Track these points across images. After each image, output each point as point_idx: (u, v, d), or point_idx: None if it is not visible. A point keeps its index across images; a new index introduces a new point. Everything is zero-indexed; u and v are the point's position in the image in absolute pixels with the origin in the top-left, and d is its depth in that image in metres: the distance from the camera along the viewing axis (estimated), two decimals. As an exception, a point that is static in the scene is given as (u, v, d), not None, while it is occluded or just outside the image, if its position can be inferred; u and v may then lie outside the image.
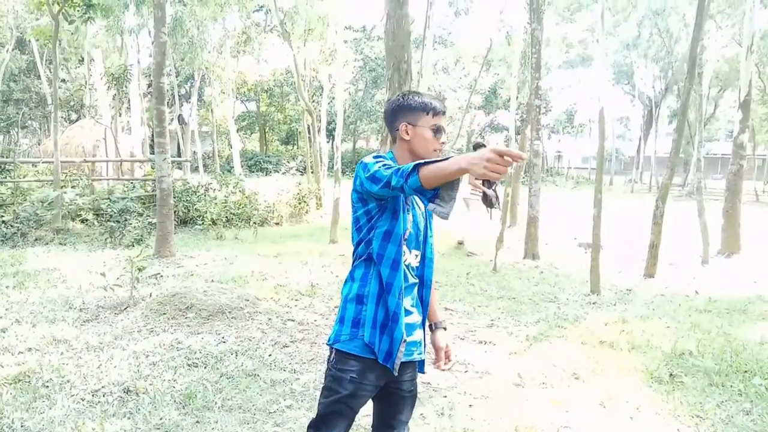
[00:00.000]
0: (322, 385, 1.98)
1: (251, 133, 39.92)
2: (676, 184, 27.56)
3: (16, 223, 9.20)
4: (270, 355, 4.26)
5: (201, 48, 18.63)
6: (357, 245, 1.96)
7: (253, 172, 31.81)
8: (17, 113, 24.39)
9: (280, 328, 4.91)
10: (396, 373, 1.91)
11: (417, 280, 2.01)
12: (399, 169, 1.67)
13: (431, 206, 1.64)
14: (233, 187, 12.46)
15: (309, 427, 1.99)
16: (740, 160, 9.29)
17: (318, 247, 9.24)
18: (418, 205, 2.01)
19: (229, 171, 24.01)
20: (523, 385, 3.89)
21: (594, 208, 6.65)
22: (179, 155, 26.38)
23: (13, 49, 23.25)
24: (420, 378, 2.34)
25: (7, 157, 14.09)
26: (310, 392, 3.64)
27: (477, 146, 1.57)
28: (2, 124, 25.83)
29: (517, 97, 13.33)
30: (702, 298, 6.48)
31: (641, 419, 3.41)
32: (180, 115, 27.74)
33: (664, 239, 7.85)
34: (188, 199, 11.50)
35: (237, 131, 30.02)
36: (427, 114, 1.95)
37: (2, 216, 9.39)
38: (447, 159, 1.56)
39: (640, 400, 3.65)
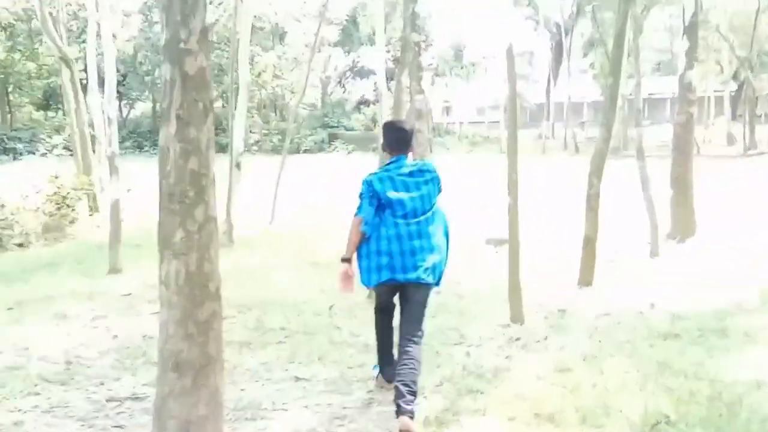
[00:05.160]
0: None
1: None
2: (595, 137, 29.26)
3: None
4: None
5: None
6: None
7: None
8: None
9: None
10: None
11: None
12: None
13: None
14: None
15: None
16: (689, 107, 9.27)
17: (87, 283, 8.18)
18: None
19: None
20: None
21: (509, 195, 6.30)
22: None
23: None
24: None
25: None
26: None
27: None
28: None
29: (385, 30, 12.82)
30: (661, 314, 6.55)
31: None
32: None
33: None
34: None
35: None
36: None
37: None
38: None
39: None
